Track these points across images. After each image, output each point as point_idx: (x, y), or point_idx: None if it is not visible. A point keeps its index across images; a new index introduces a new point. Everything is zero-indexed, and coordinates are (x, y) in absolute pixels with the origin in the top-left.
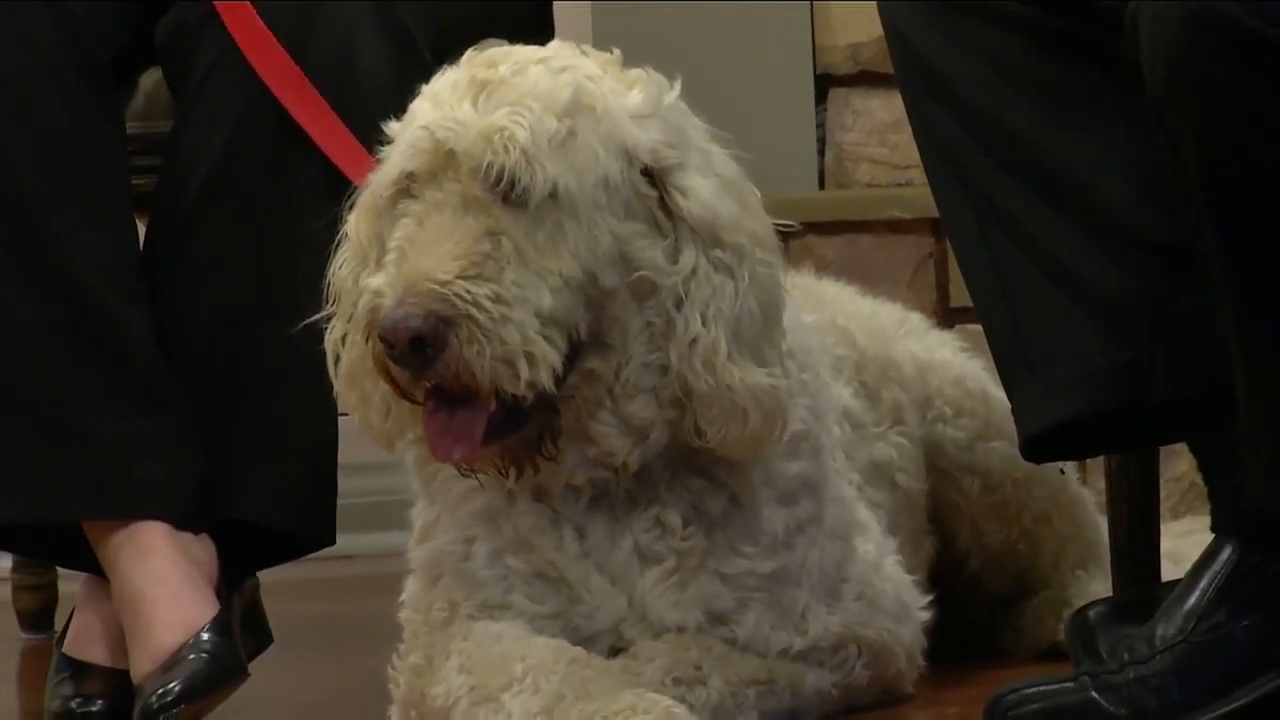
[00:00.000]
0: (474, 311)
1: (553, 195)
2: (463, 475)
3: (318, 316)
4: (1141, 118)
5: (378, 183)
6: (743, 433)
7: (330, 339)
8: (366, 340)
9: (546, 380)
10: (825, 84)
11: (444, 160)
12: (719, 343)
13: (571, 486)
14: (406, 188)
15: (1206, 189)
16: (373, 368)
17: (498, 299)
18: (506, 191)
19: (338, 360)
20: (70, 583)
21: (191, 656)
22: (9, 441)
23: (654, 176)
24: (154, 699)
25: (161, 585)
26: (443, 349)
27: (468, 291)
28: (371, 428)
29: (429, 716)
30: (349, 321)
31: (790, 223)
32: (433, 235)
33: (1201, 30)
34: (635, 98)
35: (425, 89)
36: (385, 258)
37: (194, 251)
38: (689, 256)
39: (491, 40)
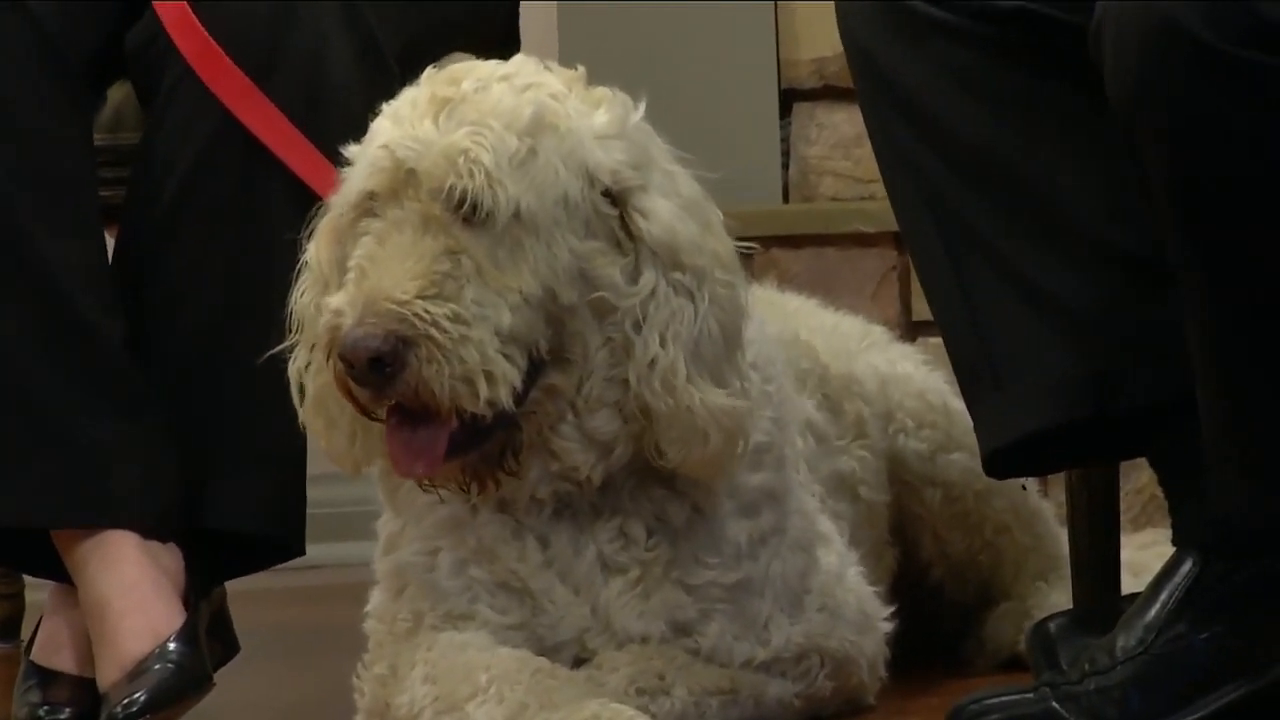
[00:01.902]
0: (433, 331)
1: (515, 214)
2: (425, 491)
3: (281, 346)
4: (1106, 131)
5: (338, 204)
6: (704, 453)
7: (294, 368)
8: (328, 360)
9: (506, 399)
10: (790, 98)
11: (404, 179)
12: (678, 364)
13: (535, 499)
14: (369, 207)
15: (1172, 203)
16: (338, 392)
17: (457, 318)
18: (469, 213)
19: (302, 389)
20: (38, 592)
21: (157, 666)
22: None
23: (615, 197)
24: (119, 708)
25: (129, 593)
26: (402, 368)
27: (426, 311)
28: (338, 454)
29: None
30: (312, 350)
31: (752, 245)
32: (393, 254)
33: (1163, 48)
34: (600, 118)
35: (386, 107)
36: (345, 276)
37: (166, 264)
38: (649, 278)
39: (458, 54)
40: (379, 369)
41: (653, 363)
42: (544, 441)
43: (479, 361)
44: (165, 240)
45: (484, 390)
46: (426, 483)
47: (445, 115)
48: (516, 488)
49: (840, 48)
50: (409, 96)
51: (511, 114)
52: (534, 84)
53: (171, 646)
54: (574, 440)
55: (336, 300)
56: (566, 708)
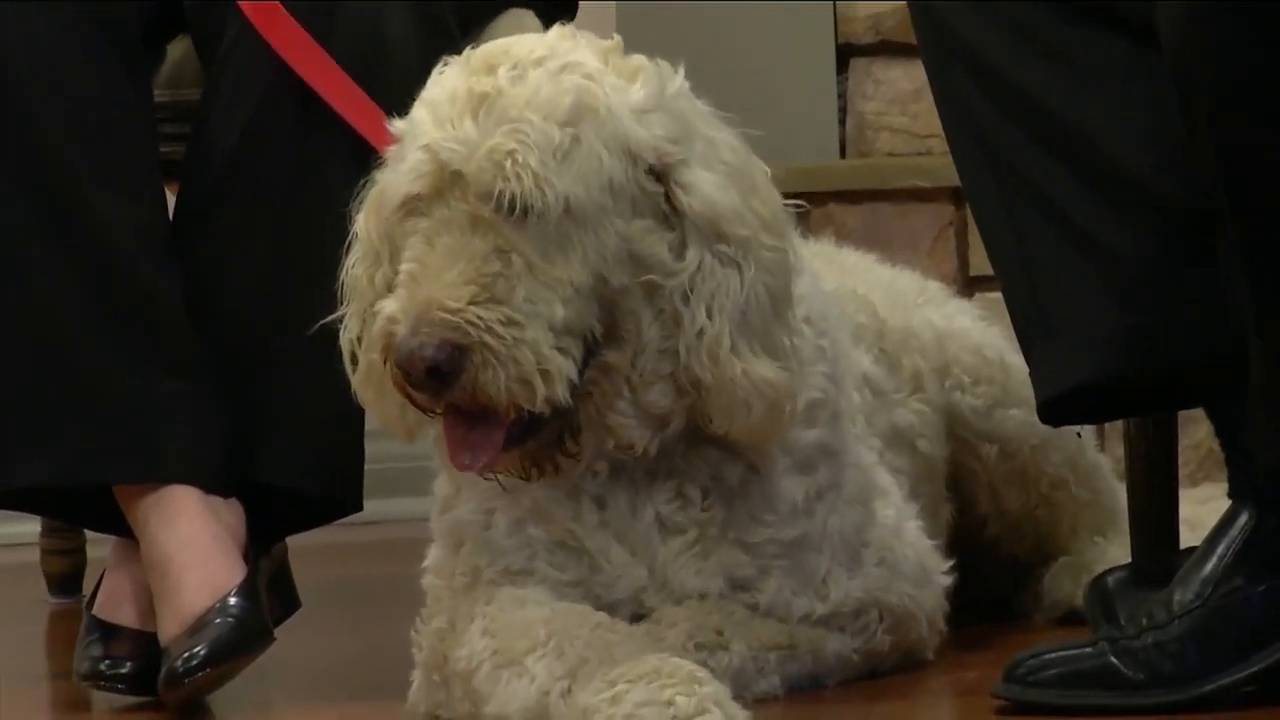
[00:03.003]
0: (487, 338)
1: (565, 210)
2: (485, 480)
3: (333, 317)
4: (1165, 85)
5: (385, 199)
6: (747, 422)
7: (346, 338)
8: (384, 364)
9: (562, 394)
10: (846, 53)
11: (450, 180)
12: (723, 335)
13: (590, 469)
14: (414, 207)
15: (1221, 156)
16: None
17: (510, 321)
18: (520, 217)
19: (354, 358)
20: (98, 547)
21: (217, 620)
22: (41, 406)
23: (658, 173)
24: (179, 662)
25: (189, 548)
26: (459, 374)
27: (479, 317)
28: (391, 422)
29: (451, 679)
30: (363, 321)
31: (801, 202)
32: (442, 257)
33: None
34: (637, 94)
35: (423, 95)
36: (397, 279)
37: (222, 221)
38: (694, 252)
39: (515, 9)
40: (436, 376)
41: (700, 334)
42: (600, 418)
43: (534, 362)
44: (222, 196)
45: (541, 389)
46: (487, 476)
47: (485, 112)
48: (572, 469)
49: (896, 3)
50: (447, 87)
51: (550, 104)
52: (570, 64)
53: (232, 601)
54: (630, 416)
55: (390, 307)
56: (626, 662)
